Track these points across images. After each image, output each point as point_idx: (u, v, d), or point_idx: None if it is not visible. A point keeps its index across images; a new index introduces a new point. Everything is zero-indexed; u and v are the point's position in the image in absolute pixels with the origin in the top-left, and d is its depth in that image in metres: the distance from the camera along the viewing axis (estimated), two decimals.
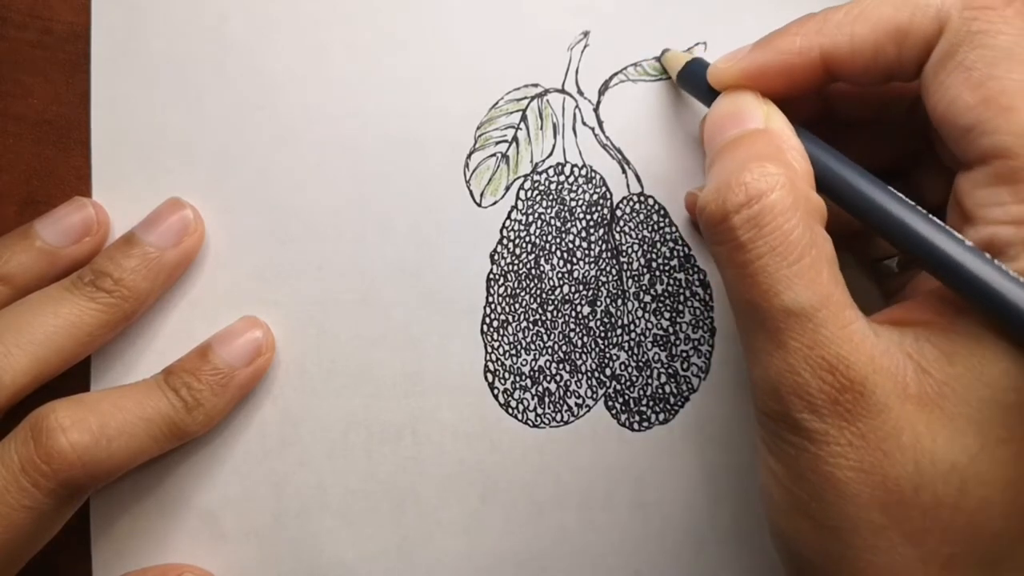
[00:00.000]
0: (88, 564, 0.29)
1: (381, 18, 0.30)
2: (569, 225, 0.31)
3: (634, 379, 0.32)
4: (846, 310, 0.22)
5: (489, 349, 0.31)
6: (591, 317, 0.31)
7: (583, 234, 0.31)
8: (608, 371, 0.31)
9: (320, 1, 0.30)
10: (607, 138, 0.31)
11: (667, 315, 0.32)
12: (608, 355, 0.31)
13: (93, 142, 0.29)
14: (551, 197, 0.31)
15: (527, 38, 0.31)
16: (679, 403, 0.32)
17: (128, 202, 0.29)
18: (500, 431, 0.31)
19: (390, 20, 0.30)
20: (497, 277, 0.31)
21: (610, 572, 0.31)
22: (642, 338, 0.32)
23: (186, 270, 0.29)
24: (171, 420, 0.27)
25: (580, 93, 0.31)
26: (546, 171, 0.31)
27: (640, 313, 0.32)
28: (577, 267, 0.31)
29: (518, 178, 0.31)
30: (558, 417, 0.31)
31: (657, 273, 0.32)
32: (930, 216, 0.22)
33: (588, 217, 0.31)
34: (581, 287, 0.31)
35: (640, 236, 0.32)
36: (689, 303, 0.32)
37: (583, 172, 0.31)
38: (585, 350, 0.31)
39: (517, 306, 0.31)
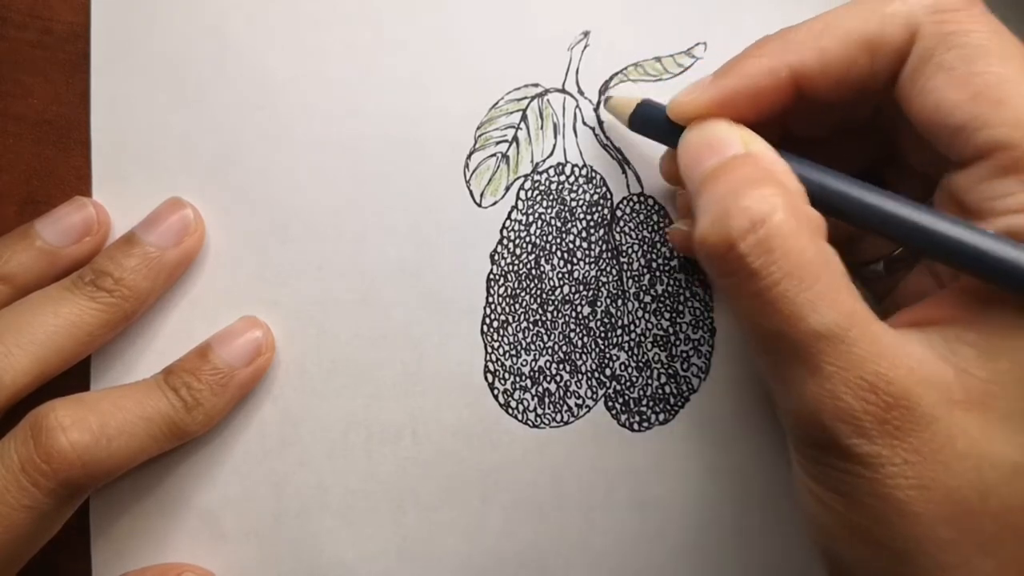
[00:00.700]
0: (88, 564, 0.30)
1: (381, 18, 0.30)
2: (569, 225, 0.31)
3: (634, 379, 0.32)
4: (873, 324, 0.21)
5: (489, 349, 0.31)
6: (591, 317, 0.31)
7: (583, 234, 0.31)
8: (608, 371, 0.31)
9: (320, 1, 0.30)
10: (607, 138, 0.31)
11: (667, 315, 0.32)
12: (608, 355, 0.31)
13: (93, 142, 0.29)
14: (551, 197, 0.31)
15: (527, 38, 0.31)
16: (679, 403, 0.32)
17: (128, 202, 0.29)
18: (500, 431, 0.31)
19: (390, 20, 0.30)
20: (497, 277, 0.31)
21: (610, 572, 0.31)
22: (642, 338, 0.32)
23: (186, 270, 0.29)
24: (171, 420, 0.27)
25: (580, 93, 0.31)
26: (546, 171, 0.31)
27: (640, 313, 0.32)
28: (577, 267, 0.31)
29: (518, 178, 0.31)
30: (558, 417, 0.31)
31: (657, 273, 0.32)
32: (942, 213, 0.22)
33: (588, 217, 0.31)
34: (581, 287, 0.31)
35: (640, 236, 0.32)
36: (689, 303, 0.32)
37: (583, 172, 0.31)
38: (585, 350, 0.31)
39: (517, 306, 0.31)
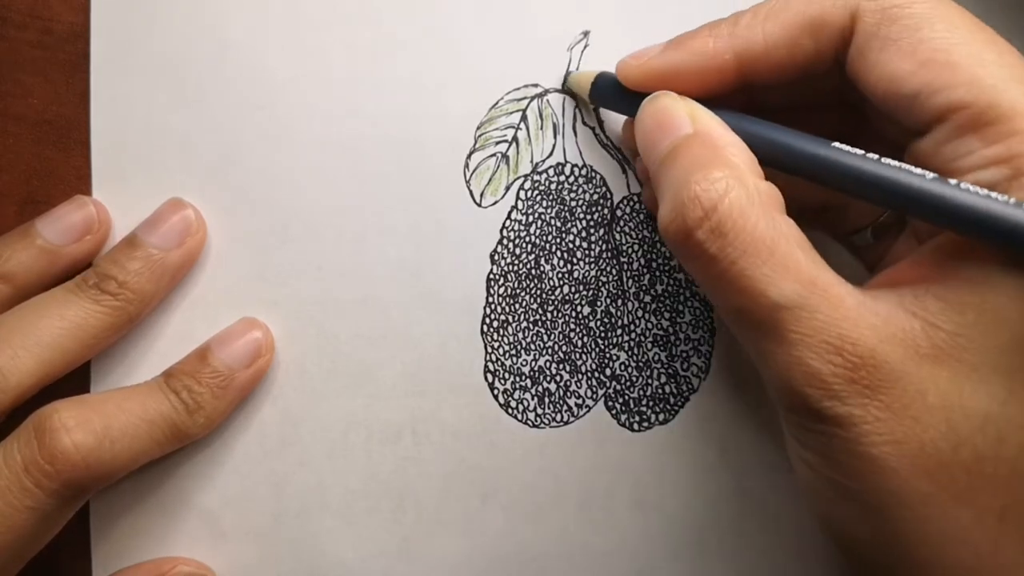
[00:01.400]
0: (88, 563, 0.30)
1: (381, 18, 0.30)
2: (569, 225, 0.31)
3: (634, 379, 0.32)
4: (834, 288, 0.22)
5: (489, 349, 0.31)
6: (591, 317, 0.31)
7: (583, 234, 0.31)
8: (608, 371, 0.31)
9: (320, 1, 0.30)
10: (607, 138, 0.31)
11: (667, 315, 0.32)
12: (608, 355, 0.31)
13: (93, 142, 0.29)
14: (551, 197, 0.31)
15: (527, 38, 0.31)
16: (679, 403, 0.32)
17: (128, 202, 0.29)
18: (500, 431, 0.31)
19: (390, 20, 0.30)
20: (497, 277, 0.31)
21: (610, 572, 0.31)
22: (642, 338, 0.32)
23: (190, 271, 0.29)
24: (173, 422, 0.27)
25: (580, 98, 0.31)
26: (546, 171, 0.31)
27: (640, 313, 0.32)
28: (577, 267, 0.31)
29: (518, 178, 0.31)
30: (558, 417, 0.31)
31: (657, 273, 0.32)
32: (906, 165, 0.22)
33: (588, 217, 0.31)
34: (581, 287, 0.31)
35: (640, 236, 0.32)
36: (689, 303, 0.32)
37: (583, 172, 0.31)
38: (585, 350, 0.31)
39: (517, 306, 0.31)
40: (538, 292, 0.31)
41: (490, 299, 0.31)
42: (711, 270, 0.22)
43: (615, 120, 0.31)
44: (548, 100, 0.31)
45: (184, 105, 0.29)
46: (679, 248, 0.23)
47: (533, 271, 0.31)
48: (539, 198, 0.31)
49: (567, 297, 0.31)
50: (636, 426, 0.32)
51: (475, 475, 0.31)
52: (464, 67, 0.31)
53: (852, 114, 0.26)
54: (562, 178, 0.31)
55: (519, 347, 0.31)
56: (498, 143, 0.31)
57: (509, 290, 0.31)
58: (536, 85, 0.31)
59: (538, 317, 0.31)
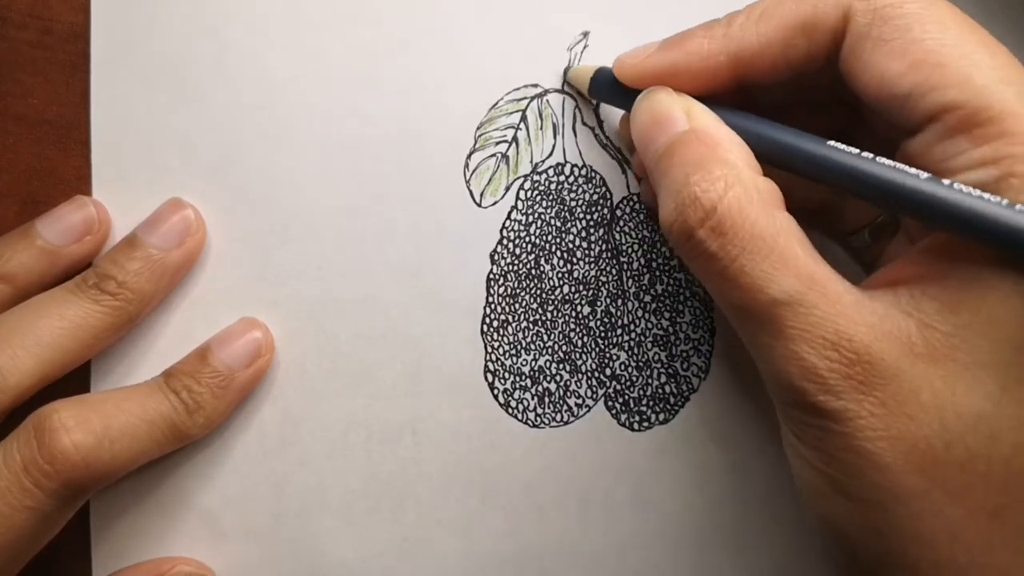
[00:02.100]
0: (88, 563, 0.30)
1: (381, 18, 0.30)
2: (569, 225, 0.31)
3: (634, 379, 0.32)
4: (832, 284, 0.22)
5: (489, 349, 0.31)
6: (591, 317, 0.31)
7: (583, 234, 0.31)
8: (608, 371, 0.31)
9: (320, 1, 0.30)
10: (607, 138, 0.31)
11: (667, 315, 0.32)
12: (608, 355, 0.31)
13: (93, 142, 0.29)
14: (551, 197, 0.31)
15: (527, 38, 0.31)
16: (679, 403, 0.32)
17: (128, 202, 0.29)
18: (500, 431, 0.31)
19: (390, 20, 0.30)
20: (497, 277, 0.31)
21: (610, 572, 0.31)
22: (642, 338, 0.32)
23: (190, 271, 0.29)
24: (173, 423, 0.27)
25: (579, 93, 0.31)
26: (546, 171, 0.31)
27: (640, 313, 0.32)
28: (577, 267, 0.31)
29: (518, 178, 0.31)
30: (558, 417, 0.31)
31: (657, 273, 0.32)
32: (900, 165, 0.22)
33: (588, 217, 0.31)
34: (581, 287, 0.31)
35: (640, 236, 0.32)
36: (689, 303, 0.32)
37: (583, 172, 0.31)
38: (585, 350, 0.31)
39: (517, 306, 0.31)
40: (538, 292, 0.31)
41: (490, 299, 0.31)
42: (712, 267, 0.23)
43: (614, 120, 0.31)
44: (548, 100, 0.31)
45: (184, 105, 0.29)
46: (681, 247, 0.24)
47: (533, 271, 0.31)
48: (539, 198, 0.31)
49: (567, 297, 0.31)
50: (636, 426, 0.32)
51: (475, 475, 0.31)
52: (464, 67, 0.31)
53: (846, 112, 0.27)
54: (562, 178, 0.31)
55: (519, 347, 0.31)
56: (498, 143, 0.31)
57: (509, 290, 0.31)
58: (536, 85, 0.31)
59: (538, 317, 0.31)
